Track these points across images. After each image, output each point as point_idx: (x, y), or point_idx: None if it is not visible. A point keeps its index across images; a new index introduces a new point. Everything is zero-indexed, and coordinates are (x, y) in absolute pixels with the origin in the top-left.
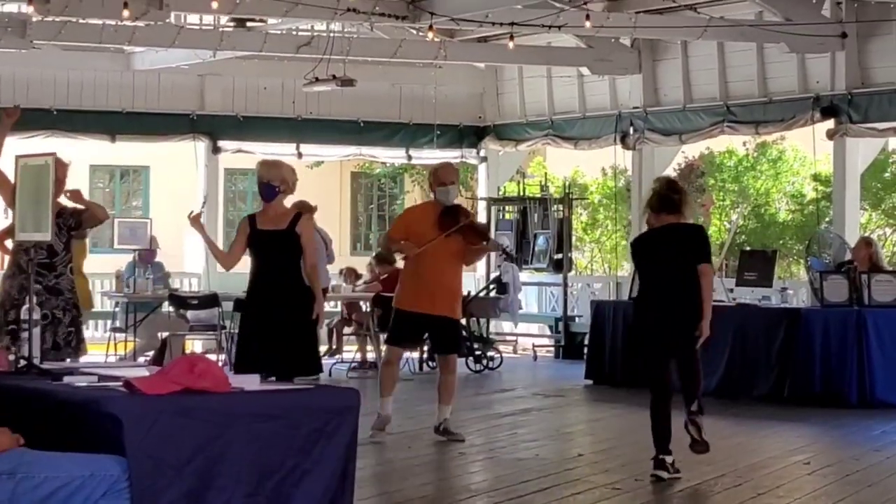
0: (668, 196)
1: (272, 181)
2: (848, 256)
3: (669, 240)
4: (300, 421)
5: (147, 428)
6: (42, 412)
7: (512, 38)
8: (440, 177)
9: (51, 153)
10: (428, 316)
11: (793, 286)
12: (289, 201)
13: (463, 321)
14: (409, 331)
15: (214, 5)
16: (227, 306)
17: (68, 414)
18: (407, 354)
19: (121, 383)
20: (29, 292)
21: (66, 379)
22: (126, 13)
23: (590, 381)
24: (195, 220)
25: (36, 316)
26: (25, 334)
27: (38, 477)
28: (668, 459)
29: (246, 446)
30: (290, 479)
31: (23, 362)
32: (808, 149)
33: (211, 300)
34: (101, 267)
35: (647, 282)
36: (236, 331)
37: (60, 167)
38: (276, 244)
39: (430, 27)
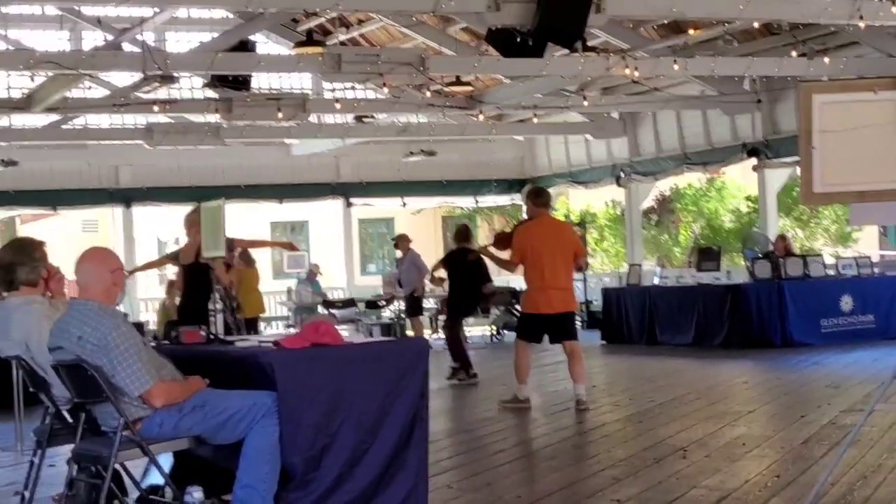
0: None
1: None
2: (770, 248)
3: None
4: (391, 362)
5: (290, 370)
6: (223, 365)
7: (535, 115)
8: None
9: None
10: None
11: (735, 271)
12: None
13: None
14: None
15: (338, 106)
16: (361, 306)
17: (238, 365)
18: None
19: (271, 343)
20: (212, 290)
21: (238, 344)
22: (280, 115)
23: (605, 342)
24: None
25: (220, 306)
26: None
27: (219, 407)
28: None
29: (357, 381)
30: (388, 401)
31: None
32: (741, 179)
33: (349, 302)
34: (279, 286)
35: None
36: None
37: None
38: None
39: (480, 111)
